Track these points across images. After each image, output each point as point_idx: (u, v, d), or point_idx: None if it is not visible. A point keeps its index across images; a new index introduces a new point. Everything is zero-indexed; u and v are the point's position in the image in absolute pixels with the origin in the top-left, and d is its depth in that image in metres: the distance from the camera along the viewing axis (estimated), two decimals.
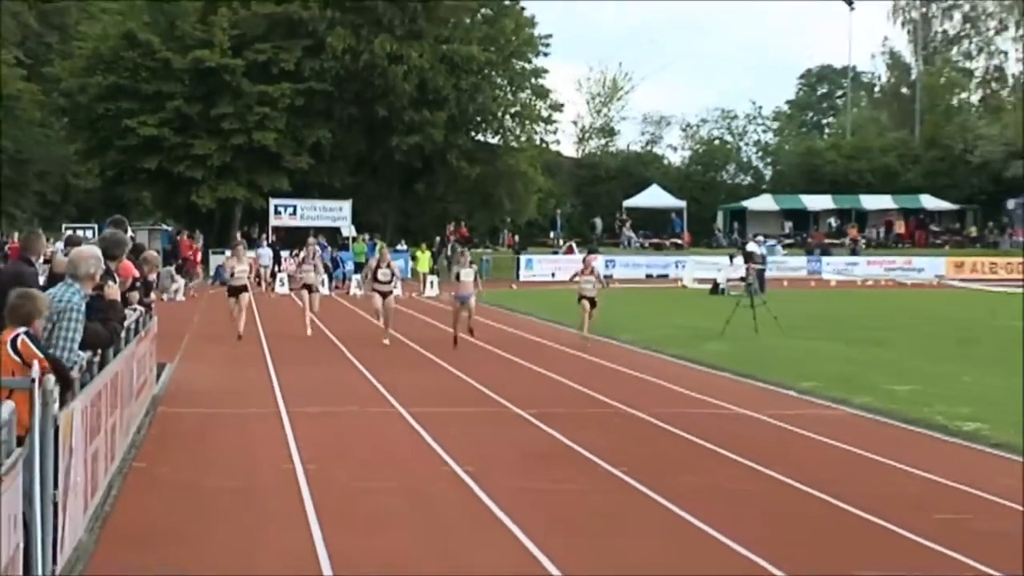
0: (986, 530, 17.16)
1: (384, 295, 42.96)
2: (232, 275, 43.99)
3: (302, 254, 51.90)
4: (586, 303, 42.67)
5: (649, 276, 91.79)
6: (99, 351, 18.26)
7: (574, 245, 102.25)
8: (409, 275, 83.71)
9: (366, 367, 34.80)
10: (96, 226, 72.46)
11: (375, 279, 43.82)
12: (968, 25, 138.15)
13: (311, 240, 52.50)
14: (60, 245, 31.95)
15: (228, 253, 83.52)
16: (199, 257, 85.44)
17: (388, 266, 43.98)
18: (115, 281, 20.60)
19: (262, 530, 16.12)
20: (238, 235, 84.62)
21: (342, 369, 35.13)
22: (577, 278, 44.94)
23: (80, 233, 49.08)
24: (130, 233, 32.43)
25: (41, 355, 13.85)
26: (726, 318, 45.56)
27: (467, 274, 42.09)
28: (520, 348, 41.42)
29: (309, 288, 47.12)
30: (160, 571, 14.54)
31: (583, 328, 42.76)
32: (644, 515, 17.79)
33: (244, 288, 43.38)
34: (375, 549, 15.54)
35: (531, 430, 25.52)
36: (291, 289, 73.78)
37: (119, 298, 20.67)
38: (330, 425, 25.87)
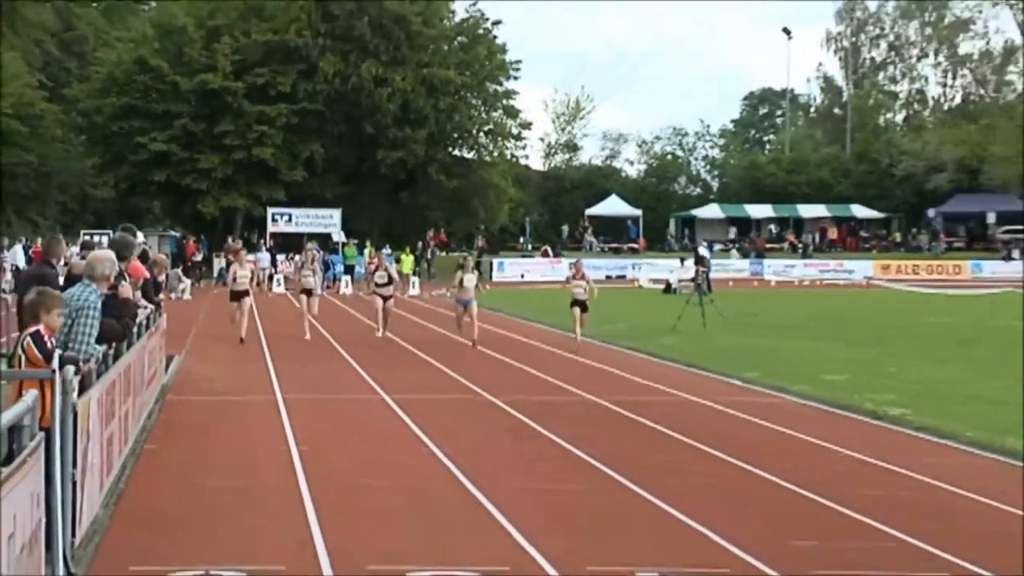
0: (911, 503, 17.17)
1: (385, 298, 40.99)
2: (235, 280, 41.24)
3: (301, 259, 48.71)
4: (577, 308, 40.60)
5: (608, 277, 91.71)
6: (114, 344, 18.16)
7: (550, 250, 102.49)
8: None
9: (356, 362, 34.76)
10: (111, 232, 72.33)
11: (374, 283, 41.96)
12: (893, 53, 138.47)
13: (309, 246, 50.22)
14: (75, 249, 31.72)
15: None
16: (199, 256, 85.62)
17: (384, 270, 42.33)
18: (127, 281, 20.62)
19: (262, 502, 16.03)
20: (230, 240, 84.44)
21: (333, 362, 35.09)
22: (570, 283, 42.82)
23: (95, 239, 48.48)
24: (140, 238, 32.37)
25: (39, 356, 13.79)
26: (677, 315, 45.66)
27: (469, 279, 40.44)
28: (494, 342, 41.38)
29: (308, 292, 44.34)
30: (169, 543, 14.47)
31: (576, 332, 40.49)
32: (601, 488, 17.80)
33: (246, 293, 40.99)
34: (354, 492, 15.52)
35: (501, 414, 25.59)
36: (287, 290, 73.78)
37: (132, 297, 20.70)
38: (321, 410, 25.89)
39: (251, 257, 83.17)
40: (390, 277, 41.89)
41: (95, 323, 16.00)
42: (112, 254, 18.39)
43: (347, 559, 13.90)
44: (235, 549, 14.14)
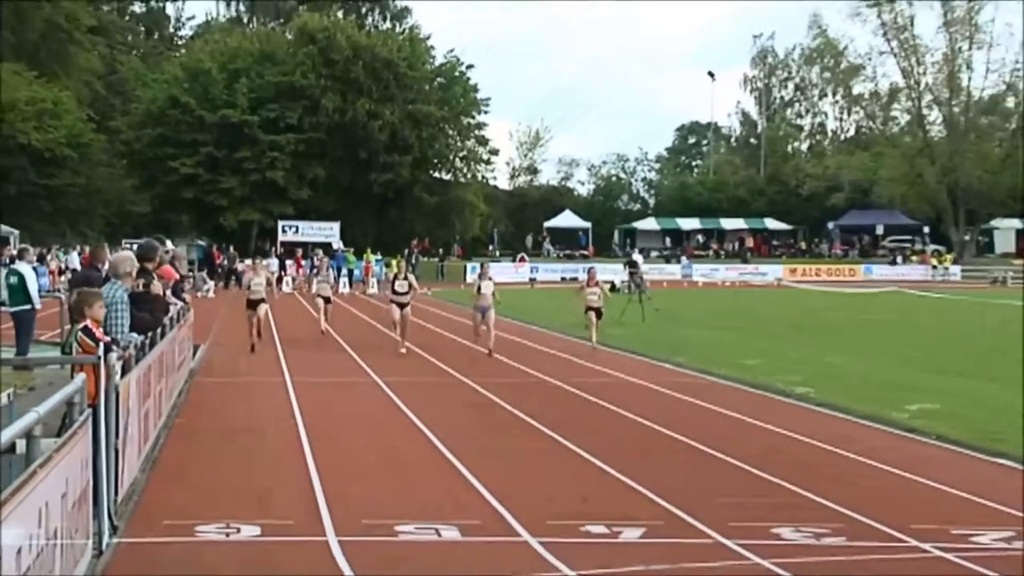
0: (811, 464, 17.25)
1: (401, 306, 34.98)
2: (249, 287, 36.39)
3: (315, 268, 45.08)
4: (592, 314, 35.59)
5: (563, 279, 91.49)
6: (148, 334, 18.19)
7: (526, 256, 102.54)
8: (383, 277, 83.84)
9: (355, 352, 34.71)
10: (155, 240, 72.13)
11: (393, 291, 35.83)
12: (798, 92, 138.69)
13: (322, 254, 47.61)
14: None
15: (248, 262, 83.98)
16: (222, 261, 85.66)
17: (405, 278, 35.76)
18: (158, 281, 20.80)
19: (274, 467, 16.04)
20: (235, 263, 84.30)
21: (335, 352, 35.03)
22: (584, 290, 37.22)
23: (133, 246, 48.04)
24: (169, 246, 32.57)
25: (91, 344, 13.86)
26: (622, 310, 45.62)
27: (487, 286, 34.35)
28: (464, 332, 41.25)
29: (326, 300, 41.06)
30: (196, 500, 14.47)
31: (592, 339, 35.43)
32: (552, 451, 17.82)
33: (261, 300, 35.73)
34: (351, 458, 15.53)
35: (472, 392, 25.63)
36: (294, 290, 73.64)
37: (163, 293, 20.84)
38: (322, 391, 25.90)
39: (267, 262, 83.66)
40: (410, 285, 35.87)
41: (125, 313, 16.10)
42: (132, 255, 18.65)
43: (345, 515, 13.92)
44: (251, 505, 14.14)
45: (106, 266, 19.08)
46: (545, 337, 40.60)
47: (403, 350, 34.21)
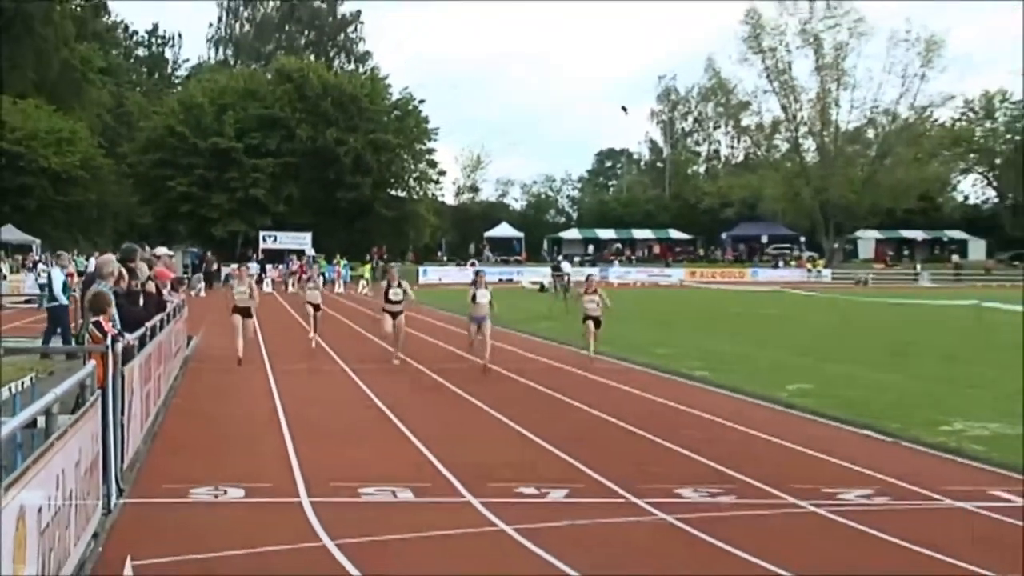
0: (707, 435, 17.29)
1: (395, 315, 29.55)
2: (234, 295, 30.42)
3: (307, 274, 36.23)
4: (591, 323, 29.64)
5: (500, 280, 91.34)
6: (146, 326, 18.12)
7: (476, 261, 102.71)
8: (349, 279, 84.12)
9: (328, 345, 34.57)
10: (147, 247, 72.06)
11: (387, 299, 29.79)
12: (697, 124, 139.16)
13: (307, 258, 38.61)
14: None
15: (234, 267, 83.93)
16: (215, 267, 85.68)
17: (399, 285, 29.82)
18: (154, 281, 20.91)
19: (256, 440, 15.96)
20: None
21: (309, 344, 34.92)
22: (581, 298, 30.98)
23: None
24: (165, 251, 32.52)
25: (100, 336, 13.85)
26: (549, 306, 45.74)
27: (482, 295, 28.71)
28: (417, 325, 41.22)
29: (316, 308, 34.34)
30: (190, 468, 14.42)
31: (589, 348, 29.42)
32: (492, 426, 17.81)
33: (247, 312, 29.76)
34: (322, 433, 15.50)
35: (423, 375, 25.59)
36: (272, 290, 73.45)
37: (159, 292, 20.90)
38: (299, 377, 25.81)
39: (249, 266, 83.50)
40: (405, 292, 30.29)
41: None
42: (113, 258, 18.52)
43: (316, 479, 13.90)
44: (237, 472, 14.10)
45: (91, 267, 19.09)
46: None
47: (396, 361, 28.82)
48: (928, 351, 31.03)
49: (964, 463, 15.63)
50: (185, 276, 71.93)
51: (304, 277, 35.41)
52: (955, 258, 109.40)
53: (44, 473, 8.28)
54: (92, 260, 74.56)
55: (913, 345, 32.59)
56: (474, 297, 28.59)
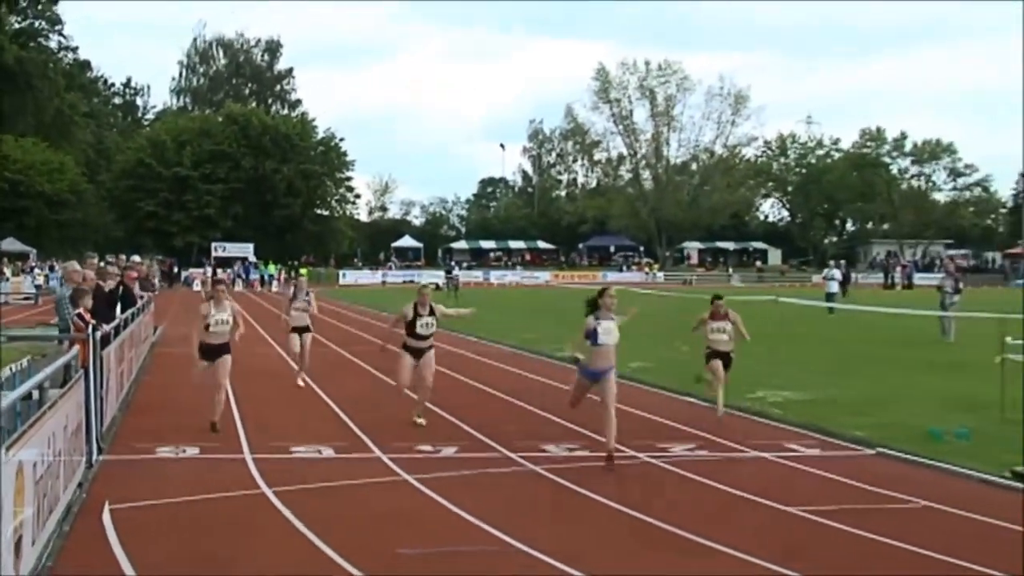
0: (557, 402, 17.40)
1: (419, 353, 15.39)
2: (207, 327, 15.04)
3: (291, 291, 21.13)
4: (717, 363, 15.93)
5: (405, 281, 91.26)
6: (118, 319, 17.93)
7: (392, 265, 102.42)
8: (280, 280, 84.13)
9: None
10: (123, 257, 70.96)
11: (414, 335, 15.31)
12: (559, 158, 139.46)
13: (300, 278, 21.95)
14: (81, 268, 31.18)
15: (197, 271, 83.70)
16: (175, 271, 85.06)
17: (431, 312, 15.32)
18: (125, 283, 20.73)
19: (208, 405, 15.86)
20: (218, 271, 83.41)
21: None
22: (707, 324, 16.23)
23: (109, 260, 46.99)
24: (137, 259, 31.91)
25: (81, 323, 13.81)
26: (443, 301, 45.55)
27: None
28: (338, 316, 41.05)
29: (303, 331, 19.99)
30: (156, 431, 14.30)
31: (718, 401, 15.68)
32: (391, 394, 17.82)
33: (224, 349, 15.09)
34: (264, 404, 15.41)
35: (339, 355, 25.47)
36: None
37: (133, 290, 20.64)
38: (251, 360, 25.54)
39: (198, 270, 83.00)
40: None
41: (69, 305, 15.44)
42: (77, 265, 19.25)
43: (257, 440, 13.86)
44: (193, 434, 14.03)
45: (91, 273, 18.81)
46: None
47: (301, 383, 19.63)
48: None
49: (766, 423, 15.94)
50: (155, 278, 70.93)
51: (288, 294, 21.20)
52: (758, 263, 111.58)
53: (38, 435, 8.32)
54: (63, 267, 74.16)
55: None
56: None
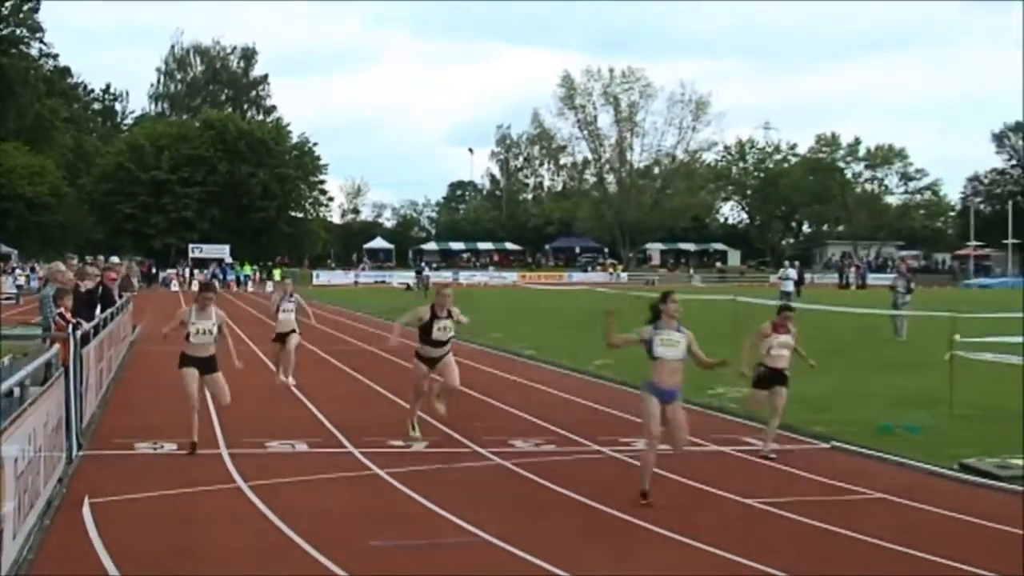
0: (532, 398, 17.44)
1: (434, 363, 13.98)
2: (187, 337, 13.62)
3: (278, 295, 19.76)
4: (780, 388, 13.00)
5: (377, 282, 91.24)
6: (97, 318, 17.83)
7: (366, 265, 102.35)
8: (255, 280, 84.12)
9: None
10: (102, 257, 70.67)
11: (426, 340, 13.91)
12: (526, 162, 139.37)
13: (287, 281, 20.69)
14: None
15: (174, 271, 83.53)
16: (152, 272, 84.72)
17: (448, 315, 13.93)
18: (104, 283, 20.65)
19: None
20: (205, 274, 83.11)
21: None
22: (768, 338, 13.46)
23: (90, 262, 46.61)
24: (116, 260, 31.70)
25: (62, 322, 13.78)
26: (414, 301, 45.59)
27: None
28: (313, 316, 40.80)
29: (283, 339, 19.13)
30: (135, 427, 14.21)
31: (771, 425, 12.91)
32: (368, 394, 17.78)
33: (210, 363, 13.54)
34: (238, 400, 15.35)
35: (313, 353, 25.41)
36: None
37: (113, 291, 20.52)
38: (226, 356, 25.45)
39: (173, 271, 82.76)
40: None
41: (52, 304, 15.33)
42: (62, 265, 19.07)
43: (232, 436, 13.81)
44: (171, 430, 13.91)
45: (71, 274, 18.70)
46: (365, 319, 40.35)
47: (281, 380, 19.01)
48: (697, 334, 31.53)
49: (724, 418, 16.02)
50: (134, 279, 70.51)
51: (275, 298, 19.98)
52: (719, 264, 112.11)
53: (20, 432, 8.28)
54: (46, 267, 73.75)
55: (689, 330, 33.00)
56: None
